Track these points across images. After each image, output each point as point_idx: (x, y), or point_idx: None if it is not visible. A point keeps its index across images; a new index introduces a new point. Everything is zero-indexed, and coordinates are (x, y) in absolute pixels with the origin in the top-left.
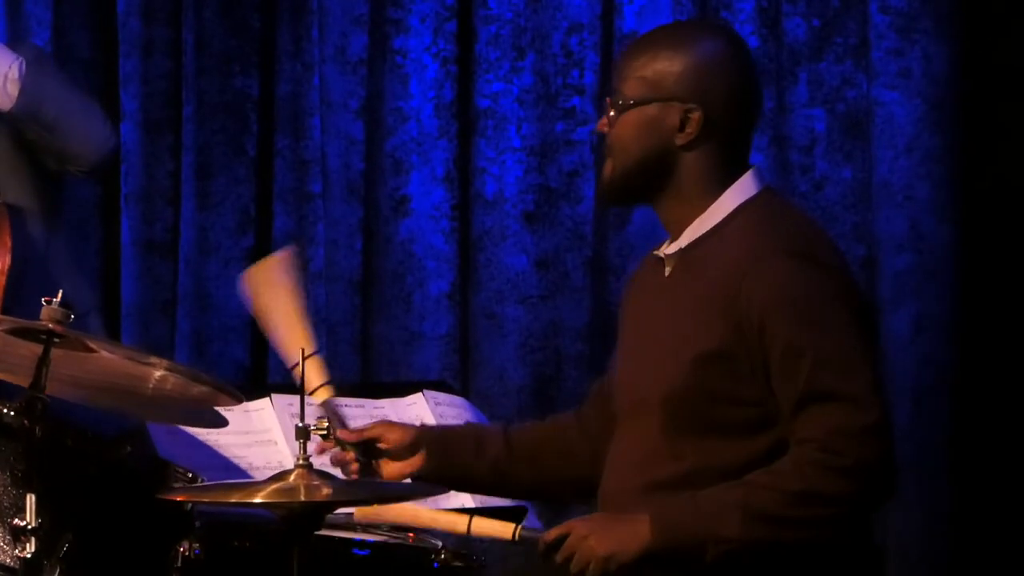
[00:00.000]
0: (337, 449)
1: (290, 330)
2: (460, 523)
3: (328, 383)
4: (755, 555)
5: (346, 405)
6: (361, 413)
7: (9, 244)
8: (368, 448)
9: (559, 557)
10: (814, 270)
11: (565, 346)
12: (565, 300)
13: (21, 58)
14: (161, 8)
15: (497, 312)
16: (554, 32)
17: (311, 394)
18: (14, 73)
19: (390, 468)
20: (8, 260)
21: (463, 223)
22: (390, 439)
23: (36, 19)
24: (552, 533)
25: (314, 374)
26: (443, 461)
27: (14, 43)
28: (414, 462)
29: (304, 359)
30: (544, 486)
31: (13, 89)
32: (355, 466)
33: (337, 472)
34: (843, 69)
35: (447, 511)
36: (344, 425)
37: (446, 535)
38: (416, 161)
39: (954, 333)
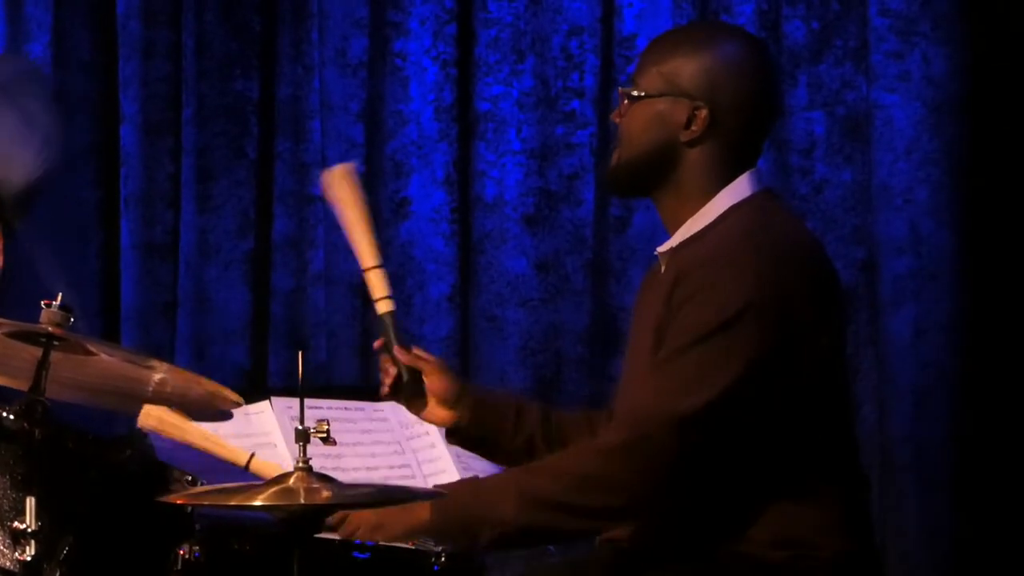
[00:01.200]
0: (387, 360)
1: (358, 240)
2: (240, 459)
3: (389, 296)
4: (533, 538)
5: (346, 408)
6: (361, 416)
7: (1, 246)
8: (414, 375)
9: (331, 519)
10: (748, 280)
11: (565, 349)
12: (565, 303)
13: None
14: (161, 11)
15: (497, 315)
16: (554, 35)
17: (376, 302)
18: None
19: (429, 411)
20: (0, 260)
21: (463, 226)
22: (433, 383)
23: (36, 22)
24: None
25: (377, 286)
26: (481, 424)
27: (13, 48)
28: (451, 415)
29: (368, 271)
30: None
31: None
32: (389, 381)
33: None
34: (843, 72)
35: (230, 445)
36: (401, 342)
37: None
38: (416, 164)
39: (954, 336)
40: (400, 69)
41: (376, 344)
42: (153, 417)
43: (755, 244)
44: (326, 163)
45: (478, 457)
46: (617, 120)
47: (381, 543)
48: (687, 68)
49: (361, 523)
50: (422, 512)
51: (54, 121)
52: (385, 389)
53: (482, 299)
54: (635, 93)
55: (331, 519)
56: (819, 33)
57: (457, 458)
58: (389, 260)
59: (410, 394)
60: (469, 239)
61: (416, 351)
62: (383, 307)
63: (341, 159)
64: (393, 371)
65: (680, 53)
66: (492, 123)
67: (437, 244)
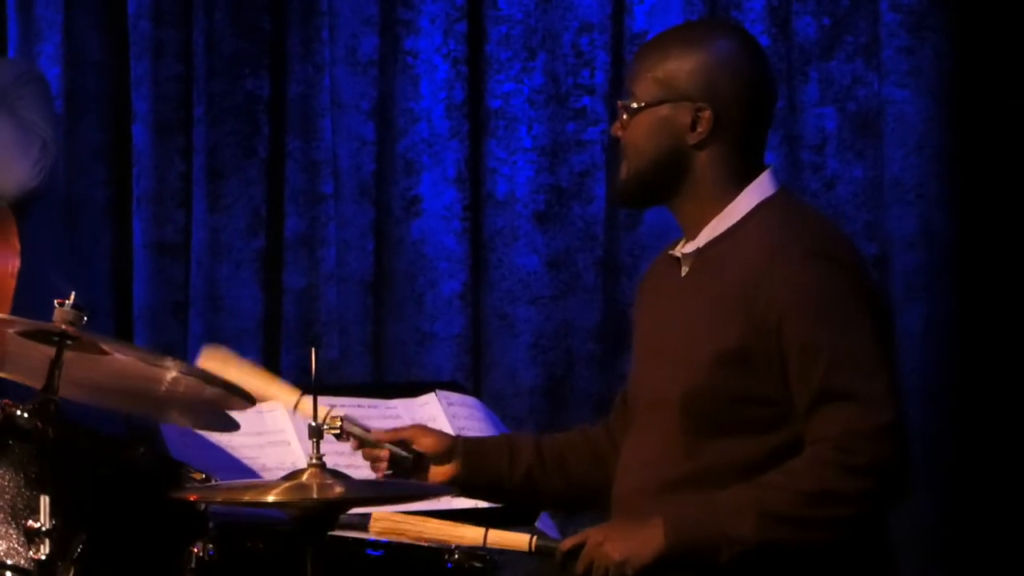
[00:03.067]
0: (369, 452)
1: (272, 394)
2: (477, 536)
3: (329, 409)
4: (771, 555)
5: (359, 405)
6: (374, 413)
7: (18, 247)
8: (405, 447)
9: (579, 567)
10: (832, 270)
11: (577, 346)
12: (576, 300)
13: None
14: (171, 10)
15: (509, 312)
16: (564, 32)
17: (323, 423)
18: None
19: (432, 473)
20: (18, 263)
21: (474, 223)
22: (424, 444)
23: (47, 22)
24: (568, 542)
25: (315, 408)
26: (477, 470)
27: (24, 48)
28: (448, 470)
29: (296, 407)
30: (575, 494)
31: None
32: (383, 464)
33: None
34: (854, 68)
35: (464, 525)
36: (367, 429)
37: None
38: (427, 162)
39: (965, 331)
40: (411, 67)
41: (353, 446)
42: (382, 525)
43: (806, 238)
44: (337, 161)
45: None
46: (619, 134)
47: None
48: (683, 70)
49: (608, 563)
50: (658, 536)
51: (54, 126)
52: (382, 475)
53: (493, 296)
54: (634, 105)
55: (579, 567)
56: (830, 29)
57: None
58: (401, 258)
59: (409, 466)
60: (480, 236)
61: (391, 431)
62: (335, 421)
63: (352, 157)
64: (384, 454)
65: (673, 56)
66: (503, 120)
67: (448, 242)
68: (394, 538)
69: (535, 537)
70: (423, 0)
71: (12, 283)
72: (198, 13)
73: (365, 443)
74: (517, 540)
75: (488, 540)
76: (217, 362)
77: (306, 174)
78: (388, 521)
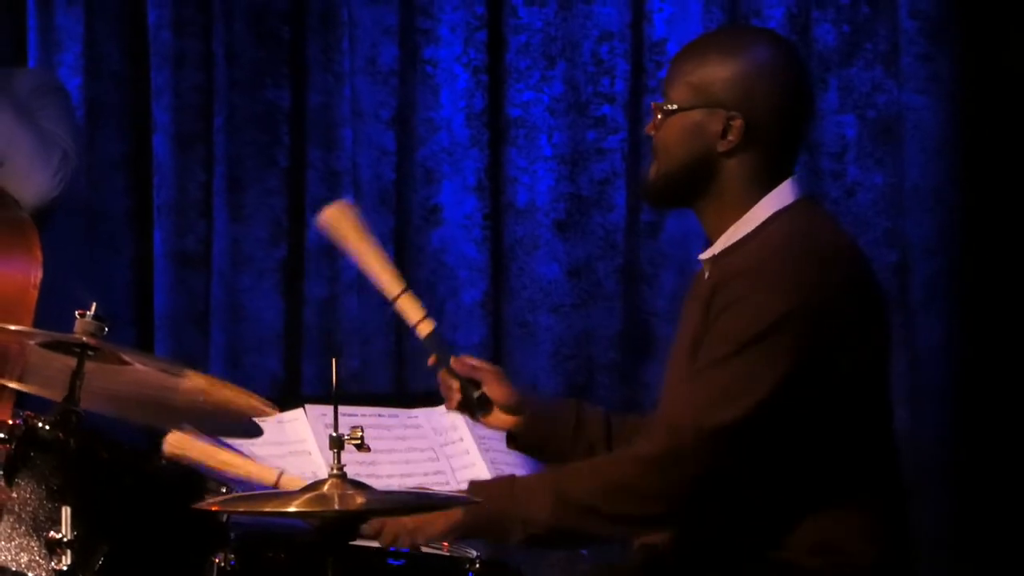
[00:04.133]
0: (446, 375)
1: (377, 273)
2: (270, 477)
3: (426, 317)
4: (563, 538)
5: (379, 414)
6: (395, 423)
7: (41, 258)
8: (475, 386)
9: (368, 528)
10: (796, 293)
11: (597, 354)
12: (597, 308)
13: None
14: (192, 21)
15: (529, 321)
16: (584, 41)
17: (415, 327)
18: None
19: (494, 417)
20: (40, 274)
21: (495, 232)
22: (493, 391)
23: (68, 33)
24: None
25: (410, 311)
26: (542, 432)
27: (45, 59)
28: (510, 420)
29: (395, 299)
30: None
31: None
32: (456, 396)
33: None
34: (873, 75)
35: (259, 465)
36: (454, 355)
37: (478, 544)
38: (447, 171)
39: (985, 337)
40: (431, 76)
41: (430, 361)
42: (174, 445)
43: (794, 252)
44: (357, 170)
45: (514, 464)
46: (652, 132)
47: (420, 545)
48: (719, 78)
49: (399, 529)
50: (456, 510)
51: (75, 137)
52: (452, 405)
53: (514, 305)
54: (668, 107)
55: (368, 528)
56: (849, 36)
57: (492, 464)
58: (421, 267)
59: (476, 405)
60: (501, 245)
61: (472, 362)
62: (424, 328)
63: (372, 167)
64: (456, 385)
65: (711, 62)
66: (523, 129)
67: (469, 250)
68: (182, 460)
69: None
70: (443, 9)
71: (35, 294)
72: (218, 23)
73: (445, 365)
74: (414, 312)
75: (280, 483)
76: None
77: (326, 184)
78: (181, 442)
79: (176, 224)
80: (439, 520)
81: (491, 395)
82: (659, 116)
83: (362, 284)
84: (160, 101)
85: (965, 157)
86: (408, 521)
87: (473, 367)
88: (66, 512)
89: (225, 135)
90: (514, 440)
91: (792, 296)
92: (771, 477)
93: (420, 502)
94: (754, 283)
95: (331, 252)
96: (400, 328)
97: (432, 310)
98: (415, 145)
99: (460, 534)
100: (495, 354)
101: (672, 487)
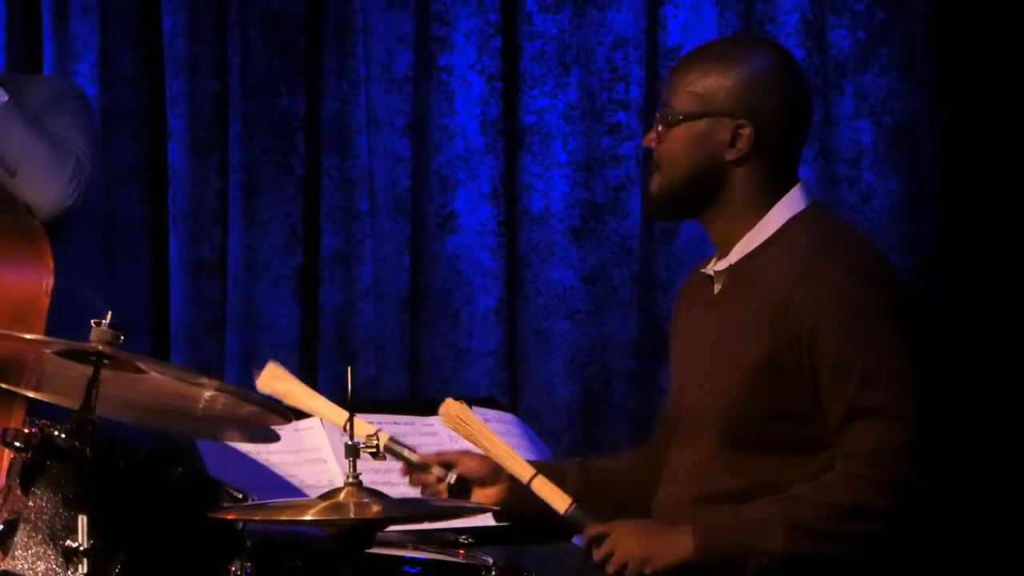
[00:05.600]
0: (418, 475)
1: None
2: (525, 474)
3: (376, 432)
4: (798, 568)
5: (395, 422)
6: (411, 430)
7: (52, 265)
8: (448, 469)
9: (598, 554)
10: (864, 285)
11: (613, 361)
12: (613, 315)
13: (4, 99)
14: (207, 28)
15: (545, 328)
16: (599, 47)
17: (363, 441)
18: None
19: (476, 494)
20: (51, 281)
21: (510, 239)
22: (468, 467)
23: (83, 41)
24: (596, 528)
25: (352, 428)
26: (523, 495)
27: (60, 67)
28: (492, 493)
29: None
30: (623, 517)
31: None
32: (442, 486)
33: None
34: (889, 80)
35: (520, 460)
36: (412, 450)
37: (496, 552)
38: (463, 178)
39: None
40: (445, 83)
41: (401, 471)
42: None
43: (837, 254)
44: (373, 178)
45: None
46: (653, 145)
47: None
48: (723, 86)
49: (628, 557)
50: (686, 542)
51: (92, 144)
52: (445, 495)
53: (529, 312)
54: (672, 117)
55: (597, 554)
56: (865, 42)
57: None
58: (436, 274)
59: (455, 489)
60: (516, 252)
61: (436, 454)
62: (372, 440)
63: (388, 174)
64: (432, 478)
65: (713, 72)
66: (538, 136)
67: (484, 257)
68: (459, 432)
69: (573, 504)
70: (457, 17)
71: (46, 301)
72: (233, 31)
73: (412, 466)
74: (558, 498)
75: (533, 484)
76: (274, 379)
77: (342, 191)
78: (459, 417)
79: (192, 232)
80: (671, 551)
81: (466, 471)
82: (661, 127)
83: (378, 292)
84: (175, 109)
85: (979, 161)
86: (637, 549)
87: (438, 456)
88: (82, 521)
89: (241, 143)
90: (499, 515)
91: (867, 295)
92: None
93: (434, 512)
94: (822, 298)
95: (346, 259)
96: (415, 335)
97: (447, 318)
98: (430, 152)
99: (692, 565)
100: (510, 361)
101: (898, 505)
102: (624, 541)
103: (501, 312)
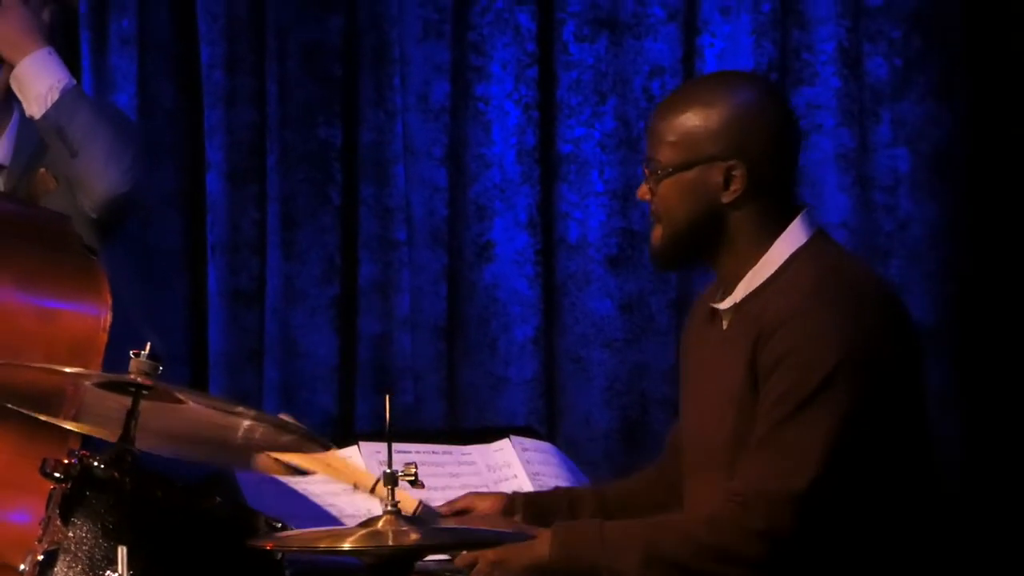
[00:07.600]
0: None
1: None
2: (367, 481)
3: (419, 504)
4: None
5: (433, 451)
6: (449, 459)
7: (110, 301)
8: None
9: (459, 560)
10: (846, 335)
11: (651, 389)
12: (650, 343)
13: (73, 82)
14: (244, 59)
15: (583, 356)
16: (635, 76)
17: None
18: (57, 89)
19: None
20: (109, 316)
21: (547, 268)
22: (482, 507)
23: (121, 72)
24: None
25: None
26: (539, 525)
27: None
28: (510, 526)
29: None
30: None
31: (51, 100)
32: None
33: None
34: (927, 108)
35: (360, 470)
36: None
37: None
38: (499, 207)
39: None
40: (482, 113)
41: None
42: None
43: (831, 295)
44: (410, 207)
45: None
46: (647, 198)
47: None
48: (706, 129)
49: (479, 556)
50: (542, 548)
51: (141, 143)
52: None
53: (567, 340)
54: (660, 171)
55: (460, 561)
56: (901, 70)
57: None
58: (473, 303)
59: None
60: (553, 281)
61: (447, 505)
62: (409, 506)
63: (425, 203)
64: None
65: (693, 116)
66: (574, 165)
67: (521, 286)
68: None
69: (422, 504)
70: (494, 46)
71: (104, 337)
72: (271, 62)
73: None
74: (405, 499)
75: (376, 491)
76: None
77: (379, 221)
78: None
79: (230, 262)
80: (523, 554)
81: (482, 512)
82: (652, 181)
83: (415, 321)
84: (213, 140)
85: (1015, 188)
86: (491, 554)
87: (449, 504)
88: (122, 552)
89: (278, 173)
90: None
91: (840, 343)
92: (846, 529)
93: (473, 539)
94: (799, 334)
95: (384, 289)
96: (452, 364)
97: (484, 347)
98: (467, 182)
99: (543, 572)
100: (547, 390)
101: (762, 555)
102: (485, 551)
103: (538, 341)
